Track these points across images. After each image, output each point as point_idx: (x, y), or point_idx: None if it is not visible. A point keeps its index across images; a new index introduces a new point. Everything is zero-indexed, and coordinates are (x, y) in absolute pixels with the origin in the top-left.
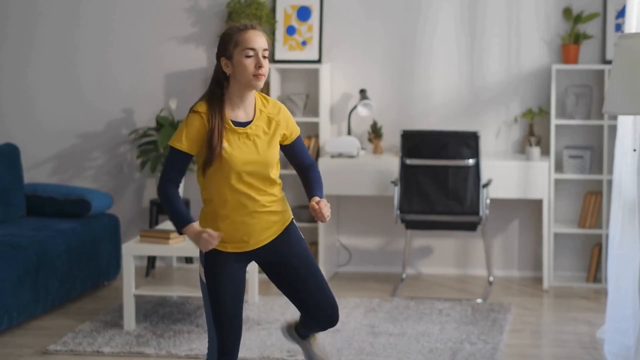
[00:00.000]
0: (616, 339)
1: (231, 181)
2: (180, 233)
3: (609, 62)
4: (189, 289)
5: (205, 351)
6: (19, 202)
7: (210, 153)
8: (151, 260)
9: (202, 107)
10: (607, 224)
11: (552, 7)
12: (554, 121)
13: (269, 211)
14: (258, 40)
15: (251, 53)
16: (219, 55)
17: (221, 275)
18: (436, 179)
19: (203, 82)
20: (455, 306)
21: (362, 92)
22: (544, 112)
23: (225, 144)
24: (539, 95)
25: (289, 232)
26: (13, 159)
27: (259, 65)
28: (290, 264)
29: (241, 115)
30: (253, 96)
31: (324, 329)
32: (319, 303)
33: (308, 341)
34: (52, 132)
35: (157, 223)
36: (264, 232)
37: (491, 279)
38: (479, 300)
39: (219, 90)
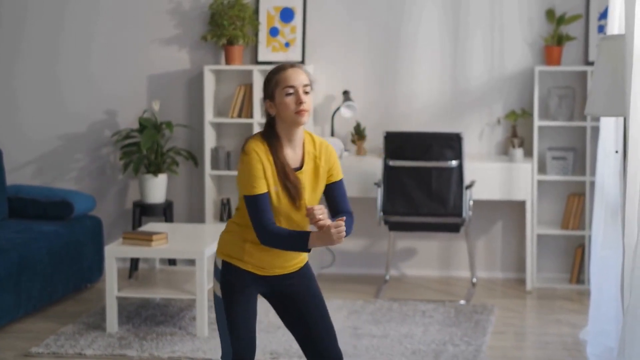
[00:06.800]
0: (599, 340)
1: (274, 219)
2: (309, 250)
3: (592, 64)
4: (172, 291)
5: (189, 354)
6: (1, 205)
7: (288, 191)
8: (134, 262)
9: (259, 146)
10: (590, 226)
11: (534, 8)
12: (537, 122)
13: None
14: (297, 77)
15: (291, 91)
16: (264, 99)
17: (237, 287)
18: (419, 180)
19: (186, 83)
20: (438, 308)
21: (346, 94)
22: (527, 114)
23: (276, 188)
24: (522, 96)
25: (306, 268)
26: None
27: (299, 102)
28: (301, 297)
29: (290, 156)
30: (301, 135)
31: None
32: (322, 340)
33: None
34: (35, 133)
35: (140, 225)
36: (287, 262)
37: (474, 280)
38: (462, 302)
39: (271, 130)
